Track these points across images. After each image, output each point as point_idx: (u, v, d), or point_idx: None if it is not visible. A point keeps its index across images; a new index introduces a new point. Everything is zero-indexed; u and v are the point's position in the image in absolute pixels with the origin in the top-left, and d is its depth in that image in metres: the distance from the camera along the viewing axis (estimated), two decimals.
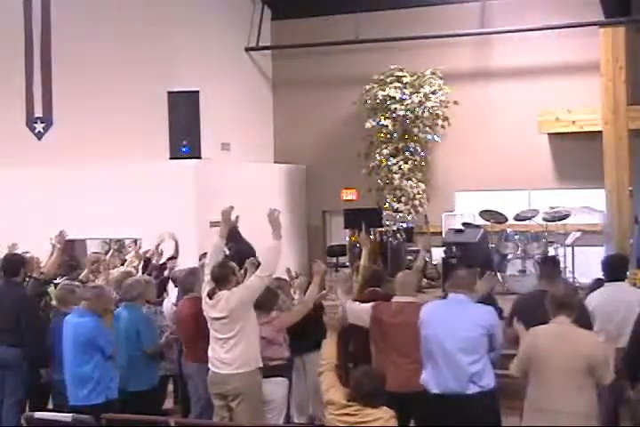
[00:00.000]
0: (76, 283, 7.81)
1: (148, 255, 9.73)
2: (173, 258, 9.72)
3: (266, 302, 6.85)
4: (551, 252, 12.73)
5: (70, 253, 9.56)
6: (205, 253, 7.64)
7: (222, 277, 6.53)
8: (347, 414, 5.24)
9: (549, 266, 7.33)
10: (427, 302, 6.63)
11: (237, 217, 7.21)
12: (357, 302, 6.84)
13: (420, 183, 14.35)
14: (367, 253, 8.07)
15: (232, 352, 6.45)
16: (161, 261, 9.76)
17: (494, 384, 5.98)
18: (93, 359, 6.58)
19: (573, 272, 12.63)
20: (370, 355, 6.65)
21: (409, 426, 6.45)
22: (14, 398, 7.65)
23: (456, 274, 6.37)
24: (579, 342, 5.56)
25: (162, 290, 8.53)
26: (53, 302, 7.80)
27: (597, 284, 7.64)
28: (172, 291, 8.58)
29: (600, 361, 5.51)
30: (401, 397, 6.19)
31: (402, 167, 14.22)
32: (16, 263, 8.01)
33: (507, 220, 13.20)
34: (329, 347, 5.87)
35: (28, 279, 8.24)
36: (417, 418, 6.40)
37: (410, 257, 12.93)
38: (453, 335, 5.91)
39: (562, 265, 10.71)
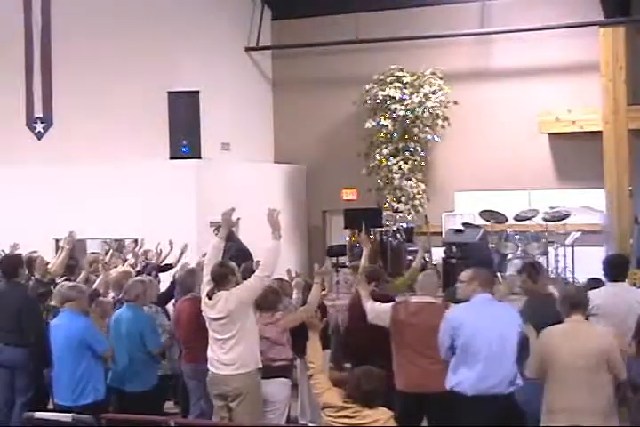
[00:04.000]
0: (74, 283, 7.79)
1: (148, 256, 9.75)
2: (170, 266, 9.73)
3: (270, 303, 6.84)
4: (551, 252, 12.74)
5: (72, 253, 9.55)
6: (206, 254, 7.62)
7: (222, 277, 6.50)
8: (345, 417, 5.22)
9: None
10: (444, 303, 6.57)
11: (238, 219, 7.17)
12: (378, 303, 6.80)
13: (419, 183, 14.35)
14: (368, 253, 8.06)
15: (231, 353, 6.42)
16: (162, 264, 9.77)
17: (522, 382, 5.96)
18: (83, 360, 6.59)
19: (573, 272, 12.63)
20: (370, 355, 6.64)
21: (421, 426, 6.43)
22: (25, 397, 7.64)
23: (481, 273, 6.25)
24: (594, 340, 5.57)
25: (171, 294, 8.50)
26: (52, 302, 7.77)
27: (592, 283, 7.61)
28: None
29: (616, 357, 5.53)
30: (419, 397, 6.19)
31: (402, 167, 14.22)
32: (15, 264, 7.98)
33: (507, 220, 13.20)
34: (313, 348, 5.86)
35: (32, 279, 8.23)
36: (437, 419, 6.35)
37: (410, 257, 12.93)
38: (499, 336, 5.82)
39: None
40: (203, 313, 6.58)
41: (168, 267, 9.82)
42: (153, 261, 9.73)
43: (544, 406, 5.65)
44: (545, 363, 5.61)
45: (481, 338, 5.83)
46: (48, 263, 8.55)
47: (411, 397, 6.14)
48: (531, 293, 6.75)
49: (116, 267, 8.74)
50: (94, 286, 8.01)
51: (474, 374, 5.82)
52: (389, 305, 6.68)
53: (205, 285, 6.61)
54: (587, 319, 5.78)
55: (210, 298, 6.51)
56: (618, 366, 5.54)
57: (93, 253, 10.20)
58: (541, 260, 12.66)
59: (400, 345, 6.54)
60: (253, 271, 6.76)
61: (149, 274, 8.87)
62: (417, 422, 6.37)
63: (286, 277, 8.65)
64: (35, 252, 8.98)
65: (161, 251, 9.82)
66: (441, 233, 13.76)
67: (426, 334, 6.25)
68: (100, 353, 6.66)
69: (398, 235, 13.40)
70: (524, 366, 5.95)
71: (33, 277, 8.18)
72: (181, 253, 10.07)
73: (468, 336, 5.85)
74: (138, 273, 8.75)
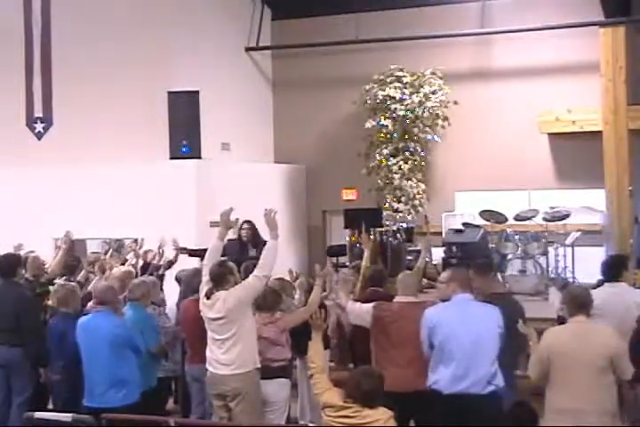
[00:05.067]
0: (73, 283, 7.80)
1: (149, 257, 9.75)
2: (172, 263, 9.75)
3: (269, 303, 6.84)
4: (551, 252, 12.74)
5: (72, 253, 9.58)
6: (184, 248, 7.63)
7: (220, 277, 6.52)
8: (345, 416, 5.22)
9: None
10: (428, 303, 6.60)
11: (237, 219, 7.17)
12: (359, 303, 6.83)
13: (419, 183, 14.35)
14: (369, 253, 8.05)
15: (230, 353, 6.43)
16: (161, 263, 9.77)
17: (503, 383, 5.97)
18: (129, 359, 6.61)
19: (573, 272, 12.63)
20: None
21: (409, 426, 6.44)
22: (22, 397, 7.66)
23: (461, 274, 6.31)
24: (599, 339, 5.58)
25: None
26: (50, 302, 7.77)
27: (599, 284, 7.64)
28: (174, 291, 8.57)
29: (621, 356, 5.55)
30: (403, 396, 6.18)
31: (402, 167, 14.22)
32: (13, 263, 7.98)
33: (507, 220, 13.19)
34: (315, 348, 5.87)
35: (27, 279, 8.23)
36: (420, 418, 6.37)
37: (410, 257, 12.92)
38: (475, 336, 5.86)
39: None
40: (201, 313, 6.59)
41: (171, 264, 9.83)
42: (154, 262, 9.72)
43: (547, 405, 5.66)
44: (550, 364, 5.61)
45: (456, 338, 5.88)
46: (44, 263, 8.55)
47: (395, 396, 6.15)
48: (483, 293, 6.74)
49: (110, 268, 8.71)
50: (90, 286, 8.01)
51: (449, 374, 5.86)
52: (370, 305, 6.70)
53: (204, 285, 6.63)
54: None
55: (208, 298, 6.52)
56: (622, 366, 5.55)
57: (94, 252, 10.20)
58: (541, 260, 12.71)
59: (383, 345, 6.55)
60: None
61: (152, 274, 8.89)
62: (405, 422, 6.38)
63: (288, 278, 8.65)
64: (32, 252, 8.99)
65: (163, 251, 9.82)
66: (441, 233, 13.74)
67: (409, 334, 6.28)
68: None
69: (398, 235, 13.39)
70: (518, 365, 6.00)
71: (25, 278, 8.19)
72: (177, 250, 10.10)
73: (443, 336, 5.91)
74: (141, 273, 8.79)
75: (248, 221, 10.41)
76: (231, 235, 8.83)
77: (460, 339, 5.87)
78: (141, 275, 8.70)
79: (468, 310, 6.04)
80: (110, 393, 6.50)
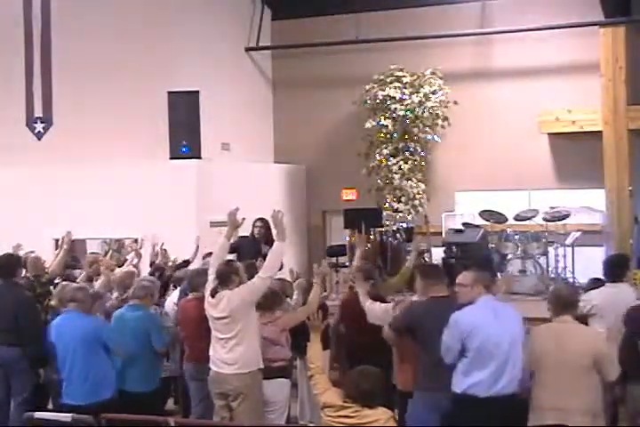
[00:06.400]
0: (74, 284, 7.80)
1: (151, 258, 9.75)
2: (187, 262, 9.74)
3: (269, 302, 6.85)
4: (551, 252, 12.75)
5: (72, 253, 9.57)
6: (210, 253, 7.65)
7: (226, 276, 6.54)
8: (345, 416, 5.22)
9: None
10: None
11: (243, 219, 7.20)
12: (378, 303, 6.79)
13: (419, 183, 14.35)
14: (361, 253, 8.03)
15: (233, 352, 6.45)
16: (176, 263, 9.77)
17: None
18: (99, 357, 6.66)
19: (573, 272, 12.63)
20: (365, 353, 6.64)
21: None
22: (21, 397, 7.65)
23: (484, 275, 6.15)
24: (584, 340, 5.59)
25: (164, 291, 8.53)
26: (52, 302, 7.78)
27: (594, 284, 7.63)
28: (175, 291, 8.57)
29: (605, 357, 5.55)
30: None
31: (402, 167, 14.22)
32: (13, 264, 7.98)
33: (507, 220, 13.20)
34: (314, 349, 5.87)
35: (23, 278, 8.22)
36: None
37: (409, 257, 12.91)
38: (510, 336, 5.77)
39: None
40: (205, 312, 6.60)
41: (186, 263, 9.82)
42: (157, 261, 9.72)
43: (532, 404, 5.67)
44: (534, 362, 5.61)
45: (494, 339, 5.74)
46: (44, 262, 8.55)
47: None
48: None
49: (108, 268, 8.70)
50: (96, 286, 8.01)
51: (488, 376, 5.70)
52: (390, 305, 6.66)
53: (210, 283, 6.65)
54: (577, 319, 5.82)
55: (212, 297, 6.54)
56: (606, 366, 5.55)
57: (93, 253, 10.20)
58: (541, 260, 12.71)
59: (401, 345, 6.52)
60: (256, 268, 6.78)
61: (152, 274, 8.89)
62: None
63: (289, 278, 8.65)
64: (32, 252, 8.99)
65: (165, 251, 9.82)
66: (441, 233, 13.76)
67: None
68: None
69: (398, 235, 13.41)
70: None
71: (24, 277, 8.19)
72: (197, 248, 10.12)
73: (483, 338, 5.73)
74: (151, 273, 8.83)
75: (261, 219, 10.41)
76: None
77: (499, 340, 5.72)
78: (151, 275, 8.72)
79: (499, 311, 5.90)
80: (82, 391, 6.63)
